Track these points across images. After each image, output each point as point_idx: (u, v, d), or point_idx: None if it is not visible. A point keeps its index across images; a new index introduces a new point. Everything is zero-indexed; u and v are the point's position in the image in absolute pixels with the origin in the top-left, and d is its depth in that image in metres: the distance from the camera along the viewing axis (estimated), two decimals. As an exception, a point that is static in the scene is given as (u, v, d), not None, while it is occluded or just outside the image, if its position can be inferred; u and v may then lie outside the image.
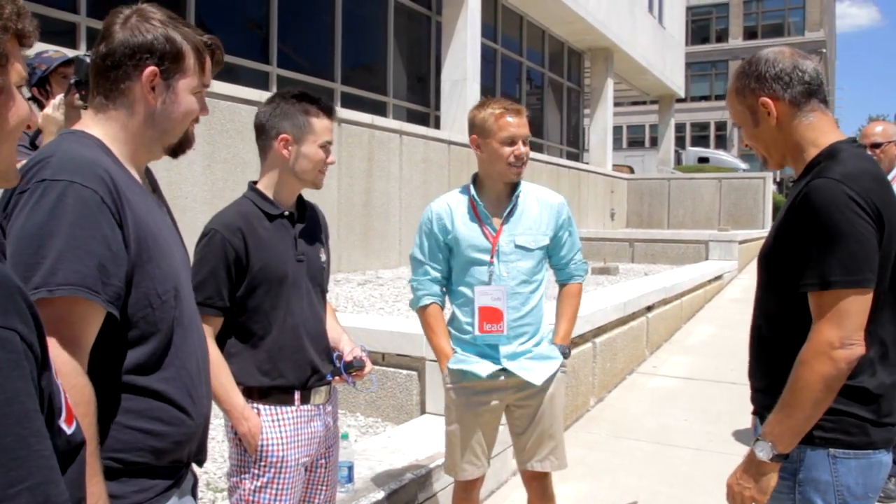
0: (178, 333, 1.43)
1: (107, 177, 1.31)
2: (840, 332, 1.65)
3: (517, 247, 2.68)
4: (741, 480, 1.82)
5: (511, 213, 2.70)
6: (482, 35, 13.27)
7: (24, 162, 1.36)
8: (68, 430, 1.01)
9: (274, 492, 2.09)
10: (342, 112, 9.30)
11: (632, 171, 24.90)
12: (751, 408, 2.01)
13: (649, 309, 7.12)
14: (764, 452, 1.75)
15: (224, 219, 2.14)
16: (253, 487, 2.09)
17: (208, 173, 7.00)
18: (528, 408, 2.74)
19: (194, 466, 1.65)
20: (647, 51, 20.90)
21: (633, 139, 45.39)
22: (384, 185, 9.74)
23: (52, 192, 1.26)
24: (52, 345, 1.21)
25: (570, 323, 2.85)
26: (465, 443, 2.73)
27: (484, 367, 2.66)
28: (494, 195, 2.71)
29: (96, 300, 1.26)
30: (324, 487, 2.30)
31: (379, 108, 11.45)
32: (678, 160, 30.82)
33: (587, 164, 19.16)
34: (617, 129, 37.81)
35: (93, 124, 1.44)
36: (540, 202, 2.77)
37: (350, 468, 3.09)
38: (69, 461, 1.02)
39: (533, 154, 15.18)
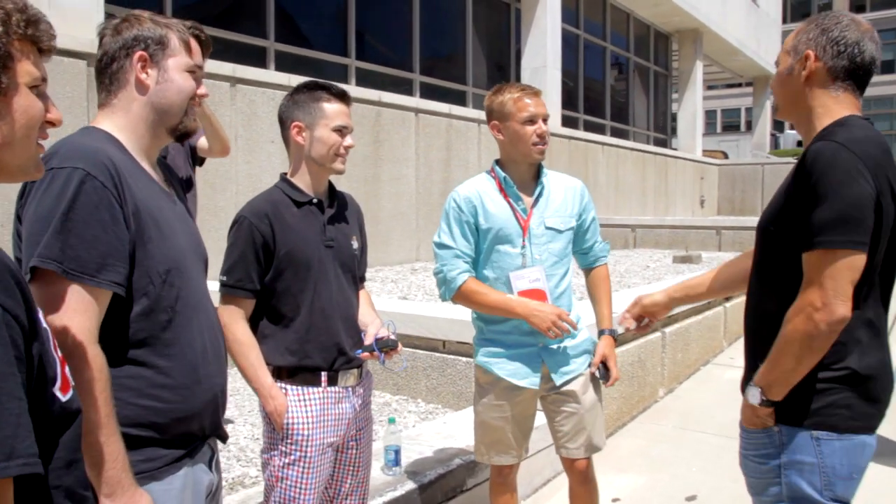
0: (183, 313, 1.54)
1: (109, 162, 1.44)
2: (822, 293, 1.63)
3: (548, 228, 2.66)
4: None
5: (540, 196, 2.69)
6: (563, 20, 13.10)
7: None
8: (63, 398, 1.07)
9: (301, 469, 2.16)
10: (418, 102, 9.38)
11: (725, 156, 24.06)
12: None
13: (727, 298, 6.87)
14: (754, 397, 1.81)
15: (253, 206, 2.25)
16: (281, 464, 2.17)
17: (286, 165, 7.20)
18: (562, 395, 2.71)
19: (219, 442, 1.73)
20: (738, 30, 20.10)
21: (728, 123, 43.68)
22: (462, 174, 9.77)
23: (58, 178, 1.40)
24: (63, 318, 1.34)
25: (608, 306, 2.83)
26: (494, 431, 2.72)
27: (521, 375, 2.66)
28: (520, 178, 2.68)
29: (86, 281, 1.37)
30: (355, 468, 2.35)
31: (458, 98, 11.48)
32: (775, 144, 29.48)
33: (675, 149, 18.63)
34: (711, 114, 36.54)
35: (101, 119, 1.60)
36: (563, 186, 2.76)
37: (397, 452, 3.13)
38: (65, 426, 1.09)
39: (618, 140, 14.94)
